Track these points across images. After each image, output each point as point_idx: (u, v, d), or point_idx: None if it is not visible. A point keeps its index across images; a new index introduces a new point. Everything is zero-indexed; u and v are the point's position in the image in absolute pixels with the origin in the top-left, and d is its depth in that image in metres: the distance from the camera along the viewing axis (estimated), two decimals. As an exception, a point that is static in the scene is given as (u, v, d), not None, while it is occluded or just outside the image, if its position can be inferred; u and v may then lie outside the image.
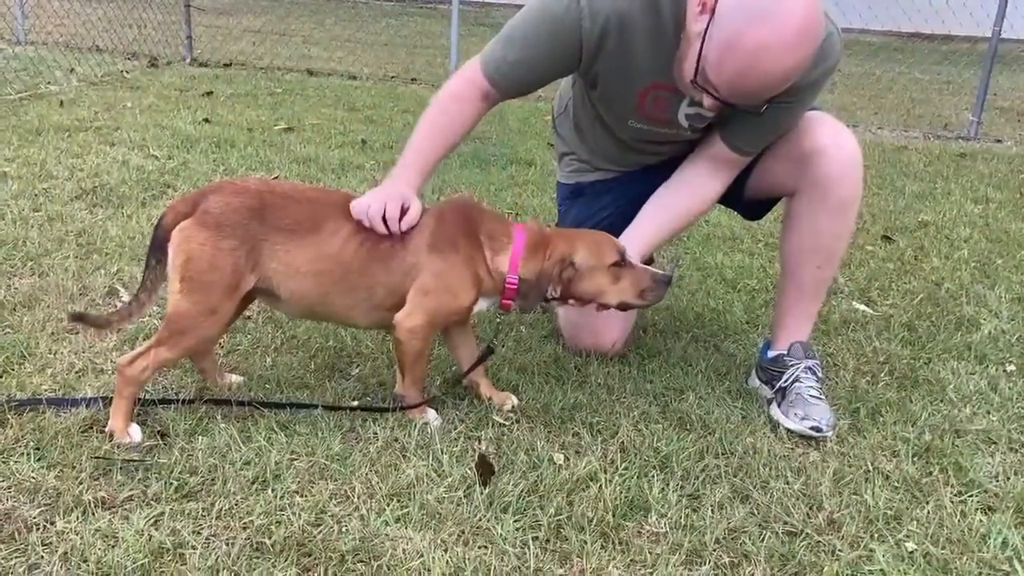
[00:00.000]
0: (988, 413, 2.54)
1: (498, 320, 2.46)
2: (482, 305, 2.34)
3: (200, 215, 2.12)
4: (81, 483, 1.91)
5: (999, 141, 7.06)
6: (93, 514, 1.82)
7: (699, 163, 2.57)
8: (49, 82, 6.61)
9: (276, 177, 4.38)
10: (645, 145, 2.63)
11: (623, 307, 2.36)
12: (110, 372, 2.41)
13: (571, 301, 2.35)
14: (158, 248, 2.14)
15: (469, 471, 2.08)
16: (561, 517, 1.93)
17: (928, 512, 2.04)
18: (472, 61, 2.46)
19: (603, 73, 2.40)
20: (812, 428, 2.33)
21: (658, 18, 2.27)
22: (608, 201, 2.77)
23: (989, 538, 1.95)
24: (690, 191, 2.58)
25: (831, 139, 2.44)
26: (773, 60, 2.02)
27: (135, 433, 2.10)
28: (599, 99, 2.53)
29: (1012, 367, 2.86)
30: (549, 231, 2.36)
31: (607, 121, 2.61)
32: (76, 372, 2.41)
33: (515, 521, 1.90)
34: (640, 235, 2.56)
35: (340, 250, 2.19)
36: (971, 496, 2.11)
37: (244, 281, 2.15)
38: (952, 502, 2.08)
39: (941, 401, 2.60)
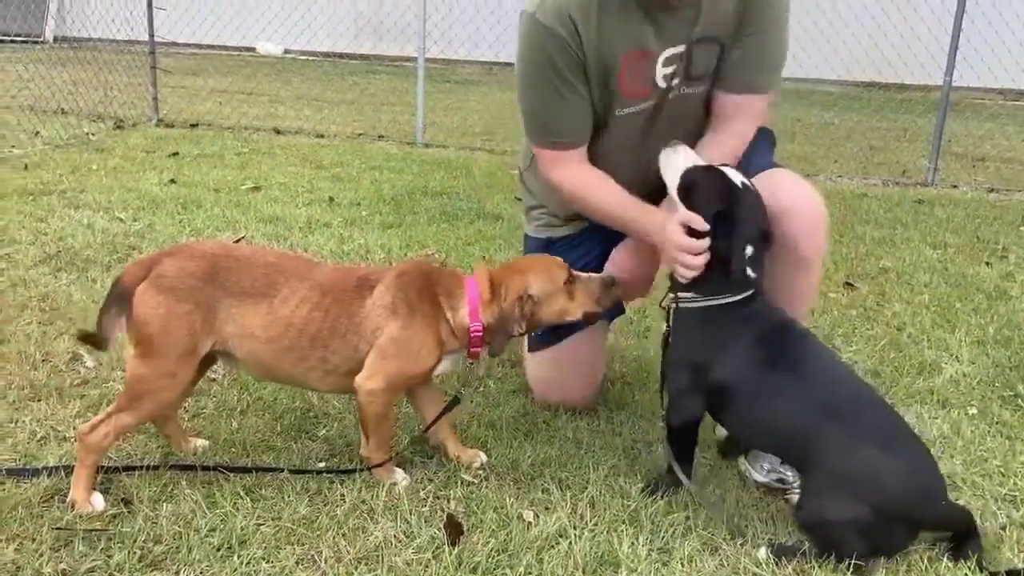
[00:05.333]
0: (952, 457, 2.57)
1: (467, 368, 2.47)
2: (445, 366, 2.34)
3: (154, 279, 2.12)
4: (41, 555, 1.88)
5: (955, 187, 7.21)
6: (53, 588, 1.79)
7: (716, 126, 2.59)
8: (13, 146, 6.58)
9: (242, 238, 4.38)
10: (631, 137, 2.58)
11: (588, 318, 2.40)
12: (73, 439, 2.38)
13: (538, 330, 2.38)
14: (115, 302, 2.13)
15: (438, 532, 2.06)
16: (531, 576, 1.92)
17: (895, 561, 2.04)
18: (537, 153, 2.56)
19: (588, 61, 2.41)
20: (778, 480, 2.35)
21: None
22: (580, 255, 2.77)
23: (956, 584, 1.96)
24: (726, 138, 2.57)
25: (795, 199, 2.44)
26: None
27: (97, 502, 2.07)
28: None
29: (974, 410, 2.90)
30: (497, 271, 2.37)
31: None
32: (38, 440, 2.38)
33: (485, 582, 1.89)
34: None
35: (292, 315, 2.19)
36: (939, 542, 2.12)
37: (201, 345, 2.15)
38: (918, 550, 2.09)
39: (906, 446, 2.63)
